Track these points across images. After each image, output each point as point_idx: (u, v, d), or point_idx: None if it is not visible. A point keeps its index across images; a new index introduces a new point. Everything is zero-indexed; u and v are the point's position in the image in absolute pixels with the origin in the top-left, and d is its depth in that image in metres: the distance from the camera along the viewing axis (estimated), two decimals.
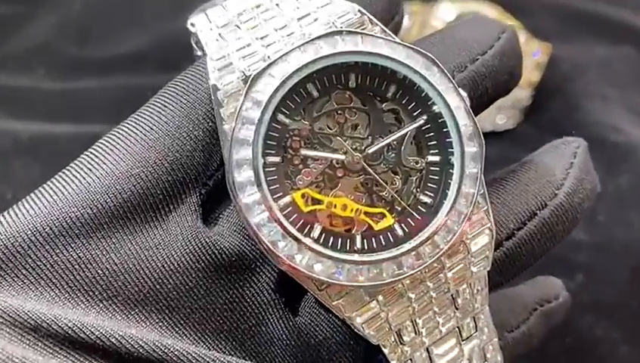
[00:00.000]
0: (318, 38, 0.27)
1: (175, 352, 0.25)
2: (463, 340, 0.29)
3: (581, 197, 0.30)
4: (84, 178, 0.28)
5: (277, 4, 0.30)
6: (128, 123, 0.29)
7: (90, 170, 0.28)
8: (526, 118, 0.68)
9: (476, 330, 0.29)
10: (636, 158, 0.64)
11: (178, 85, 0.30)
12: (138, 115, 0.30)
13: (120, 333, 0.24)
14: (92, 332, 0.24)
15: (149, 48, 0.76)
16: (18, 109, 0.69)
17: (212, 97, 0.28)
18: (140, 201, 0.27)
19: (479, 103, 0.30)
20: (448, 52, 0.29)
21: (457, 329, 0.29)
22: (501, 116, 0.67)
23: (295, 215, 0.27)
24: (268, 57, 0.27)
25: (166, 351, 0.25)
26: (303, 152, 0.27)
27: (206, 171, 0.29)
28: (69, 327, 0.24)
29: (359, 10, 0.28)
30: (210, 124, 0.29)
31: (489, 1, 0.71)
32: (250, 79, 0.27)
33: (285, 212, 0.26)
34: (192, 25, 0.31)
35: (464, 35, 0.31)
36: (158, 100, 0.30)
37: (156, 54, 0.75)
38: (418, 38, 0.72)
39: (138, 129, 0.29)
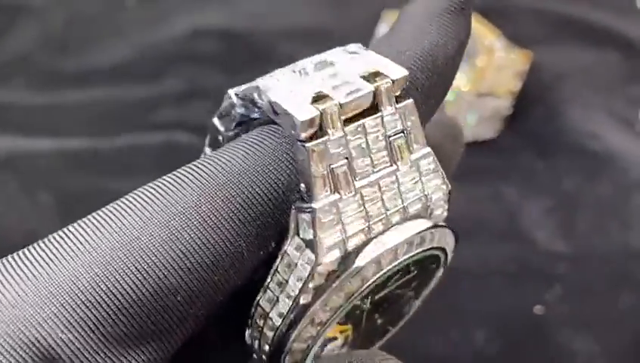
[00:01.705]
0: (420, 232, 0.24)
1: None
2: None
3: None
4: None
5: (387, 136, 0.22)
6: None
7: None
8: (507, 127, 0.68)
9: None
10: (616, 166, 0.63)
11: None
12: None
13: None
14: None
15: (131, 59, 0.76)
16: None
17: (294, 253, 0.22)
18: None
19: None
20: None
21: None
22: (482, 125, 0.67)
23: None
24: (368, 234, 0.23)
25: None
26: None
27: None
28: None
29: (448, 190, 0.25)
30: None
31: None
32: (357, 270, 0.22)
33: None
34: (302, 131, 0.20)
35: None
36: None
37: (137, 66, 0.75)
38: None
39: None
